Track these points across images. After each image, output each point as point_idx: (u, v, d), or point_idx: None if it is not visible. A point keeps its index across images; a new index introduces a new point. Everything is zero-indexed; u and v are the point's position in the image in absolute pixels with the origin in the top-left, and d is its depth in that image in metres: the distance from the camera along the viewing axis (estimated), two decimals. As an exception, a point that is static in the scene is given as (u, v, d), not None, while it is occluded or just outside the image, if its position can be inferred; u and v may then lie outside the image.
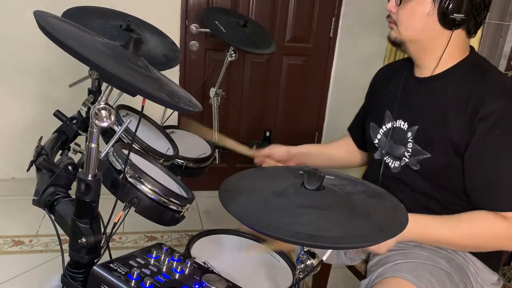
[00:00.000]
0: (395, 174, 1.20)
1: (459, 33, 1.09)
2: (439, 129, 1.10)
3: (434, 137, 1.11)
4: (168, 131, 1.48)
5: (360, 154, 1.47)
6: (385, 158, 1.23)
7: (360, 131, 1.41)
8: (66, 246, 0.88)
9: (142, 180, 0.94)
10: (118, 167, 0.96)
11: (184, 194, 1.06)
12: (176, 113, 2.34)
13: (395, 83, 1.26)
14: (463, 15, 1.05)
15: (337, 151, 1.51)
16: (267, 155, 1.47)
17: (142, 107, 0.84)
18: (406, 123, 1.18)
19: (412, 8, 1.08)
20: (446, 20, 1.06)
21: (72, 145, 1.22)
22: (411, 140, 1.16)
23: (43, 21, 0.72)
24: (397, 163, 1.20)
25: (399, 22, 1.12)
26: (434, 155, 1.11)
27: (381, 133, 1.26)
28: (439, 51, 1.11)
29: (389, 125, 1.24)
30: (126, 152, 0.94)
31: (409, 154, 1.16)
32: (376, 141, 1.28)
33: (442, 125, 1.09)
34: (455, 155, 1.08)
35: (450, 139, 1.08)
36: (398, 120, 1.21)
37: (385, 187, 1.20)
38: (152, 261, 0.84)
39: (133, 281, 0.76)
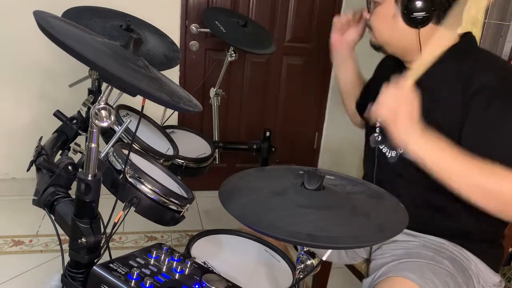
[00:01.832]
0: (391, 164, 1.20)
1: (431, 27, 1.10)
2: (432, 115, 1.08)
3: (428, 123, 1.10)
4: (168, 131, 1.48)
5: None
6: (381, 147, 1.23)
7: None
8: (66, 246, 0.88)
9: (142, 180, 0.94)
10: (118, 167, 0.96)
11: (184, 194, 1.06)
12: (176, 113, 2.34)
13: (394, 75, 1.26)
14: (424, 13, 1.07)
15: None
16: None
17: (142, 107, 0.84)
18: None
19: (380, 13, 1.14)
20: (411, 20, 1.08)
21: (72, 145, 1.22)
22: None
23: (43, 21, 0.72)
24: (393, 153, 1.20)
25: (373, 28, 1.19)
26: None
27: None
28: (417, 47, 1.12)
29: None
30: (126, 152, 0.94)
31: None
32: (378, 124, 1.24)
33: (435, 110, 1.09)
34: (451, 138, 1.04)
35: (444, 122, 1.07)
36: None
37: (382, 176, 1.21)
38: (152, 261, 0.84)
39: (133, 281, 0.76)
